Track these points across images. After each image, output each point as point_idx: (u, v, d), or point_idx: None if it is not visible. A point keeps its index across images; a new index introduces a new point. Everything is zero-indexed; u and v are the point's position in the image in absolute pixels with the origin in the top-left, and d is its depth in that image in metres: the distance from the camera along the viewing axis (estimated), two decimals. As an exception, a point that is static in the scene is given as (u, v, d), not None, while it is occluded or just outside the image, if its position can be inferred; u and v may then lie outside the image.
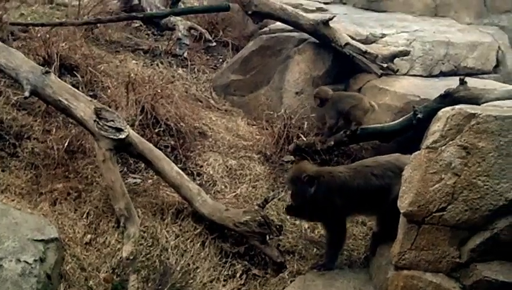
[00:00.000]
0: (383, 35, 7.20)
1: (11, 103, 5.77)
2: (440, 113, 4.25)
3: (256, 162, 6.06)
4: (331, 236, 4.91)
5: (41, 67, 5.33)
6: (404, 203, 4.27)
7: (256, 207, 5.03)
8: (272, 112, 6.59)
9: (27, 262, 4.24)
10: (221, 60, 7.95)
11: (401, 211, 4.33)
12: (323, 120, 6.42)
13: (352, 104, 6.10)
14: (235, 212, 5.01)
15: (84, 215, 4.98)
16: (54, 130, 5.61)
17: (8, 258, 4.21)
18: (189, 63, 7.57)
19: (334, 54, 6.82)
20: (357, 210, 4.94)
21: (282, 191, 5.67)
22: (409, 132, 5.83)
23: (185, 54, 7.68)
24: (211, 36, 8.11)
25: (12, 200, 4.91)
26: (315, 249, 5.13)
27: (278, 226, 5.01)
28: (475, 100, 5.38)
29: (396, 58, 6.68)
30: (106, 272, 4.66)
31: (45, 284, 4.27)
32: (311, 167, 5.00)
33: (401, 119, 5.97)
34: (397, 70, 6.63)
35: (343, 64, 6.80)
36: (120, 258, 4.73)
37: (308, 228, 5.36)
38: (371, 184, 4.66)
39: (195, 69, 7.54)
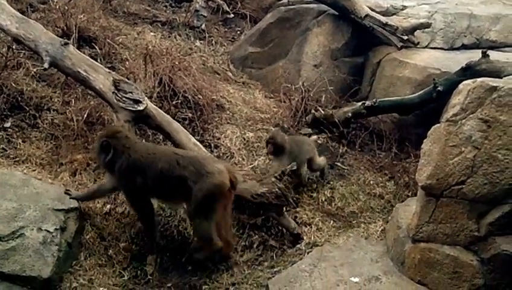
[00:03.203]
0: (404, 7, 7.09)
1: (31, 74, 5.81)
2: (461, 86, 4.20)
3: (273, 134, 6.04)
4: (137, 216, 4.74)
5: (60, 39, 5.34)
6: (422, 176, 4.26)
7: (273, 179, 5.03)
8: (289, 85, 6.55)
9: (48, 231, 4.31)
10: (239, 32, 7.90)
11: (419, 184, 4.32)
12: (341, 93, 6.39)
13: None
14: (253, 184, 5.01)
15: (104, 186, 5.03)
16: (73, 101, 5.65)
17: (30, 227, 4.29)
18: (206, 35, 7.54)
19: (354, 26, 6.76)
20: (157, 195, 4.67)
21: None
22: (429, 105, 5.77)
23: (203, 26, 7.64)
24: (229, 8, 8.04)
25: (33, 171, 4.98)
26: (332, 221, 5.14)
27: (294, 198, 5.01)
28: (497, 73, 5.29)
29: (417, 31, 6.59)
30: (125, 241, 4.73)
31: (66, 253, 4.35)
32: (123, 134, 4.60)
33: (421, 92, 5.91)
34: (418, 42, 6.55)
35: (363, 37, 6.74)
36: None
37: (325, 200, 5.36)
38: (173, 171, 4.45)
39: (213, 42, 7.51)
